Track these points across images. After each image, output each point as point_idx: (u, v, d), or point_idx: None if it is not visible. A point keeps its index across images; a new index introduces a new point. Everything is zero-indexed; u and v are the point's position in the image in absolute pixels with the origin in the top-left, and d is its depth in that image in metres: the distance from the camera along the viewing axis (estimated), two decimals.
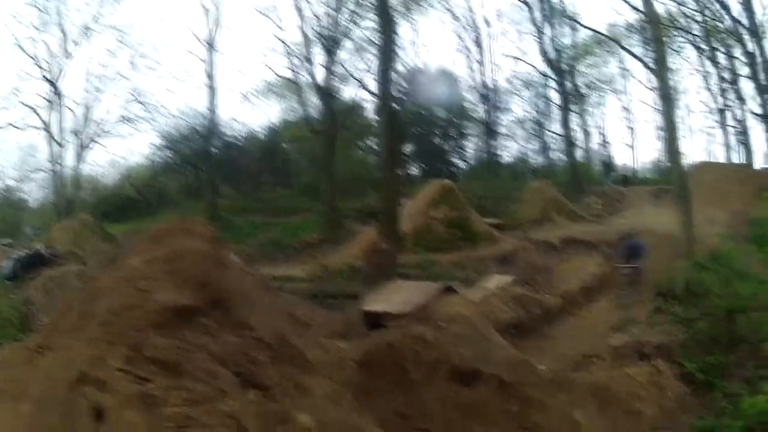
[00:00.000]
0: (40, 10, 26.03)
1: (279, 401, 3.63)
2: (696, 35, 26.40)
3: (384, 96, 15.56)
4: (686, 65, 29.47)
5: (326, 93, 23.32)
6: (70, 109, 27.68)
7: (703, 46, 26.76)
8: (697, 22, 25.79)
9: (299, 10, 24.07)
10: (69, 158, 27.90)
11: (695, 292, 9.58)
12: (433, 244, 16.08)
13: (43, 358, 3.33)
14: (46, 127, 26.91)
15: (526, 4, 28.05)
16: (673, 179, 11.40)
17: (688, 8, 25.58)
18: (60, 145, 27.15)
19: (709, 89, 29.29)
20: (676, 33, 26.25)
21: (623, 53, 30.65)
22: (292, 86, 27.62)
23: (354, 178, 29.71)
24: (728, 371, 7.51)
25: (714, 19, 24.97)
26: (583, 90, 31.33)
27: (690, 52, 28.33)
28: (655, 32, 12.31)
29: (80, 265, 14.38)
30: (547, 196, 19.76)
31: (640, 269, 12.62)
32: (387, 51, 15.78)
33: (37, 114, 26.81)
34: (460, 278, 13.89)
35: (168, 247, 4.16)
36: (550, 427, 6.83)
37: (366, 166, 32.24)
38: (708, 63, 27.93)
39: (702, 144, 38.87)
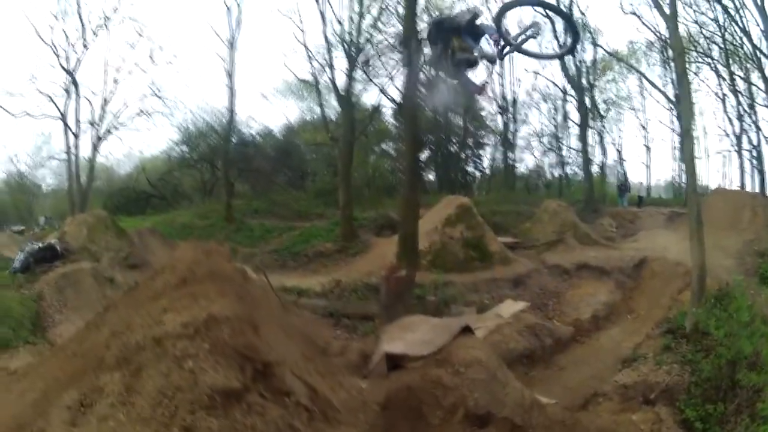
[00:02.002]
0: None
1: None
2: (715, 59, 26.44)
3: (408, 114, 15.82)
4: (704, 87, 29.48)
5: (347, 101, 23.31)
6: (87, 99, 27.47)
7: (722, 70, 26.75)
8: (716, 45, 25.84)
9: (322, 14, 24.11)
10: (84, 148, 27.67)
11: (704, 332, 9.74)
12: (449, 263, 16.19)
13: (89, 423, 3.55)
14: (63, 117, 26.62)
15: (550, 19, 28.05)
16: (690, 213, 11.43)
17: (709, 30, 25.68)
18: (75, 135, 26.89)
19: (726, 112, 29.26)
20: (696, 56, 26.29)
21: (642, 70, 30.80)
22: (312, 89, 27.69)
23: (368, 185, 29.89)
24: (726, 419, 7.76)
25: (734, 44, 25.00)
26: (602, 106, 31.34)
27: (708, 73, 28.36)
28: (680, 65, 12.21)
29: (93, 262, 14.72)
30: (563, 219, 19.87)
31: None
32: (412, 66, 16.06)
33: (54, 103, 26.50)
34: (474, 301, 14.22)
35: (202, 307, 4.33)
36: None
37: (381, 172, 32.40)
38: (726, 86, 27.90)
39: (717, 166, 38.67)
